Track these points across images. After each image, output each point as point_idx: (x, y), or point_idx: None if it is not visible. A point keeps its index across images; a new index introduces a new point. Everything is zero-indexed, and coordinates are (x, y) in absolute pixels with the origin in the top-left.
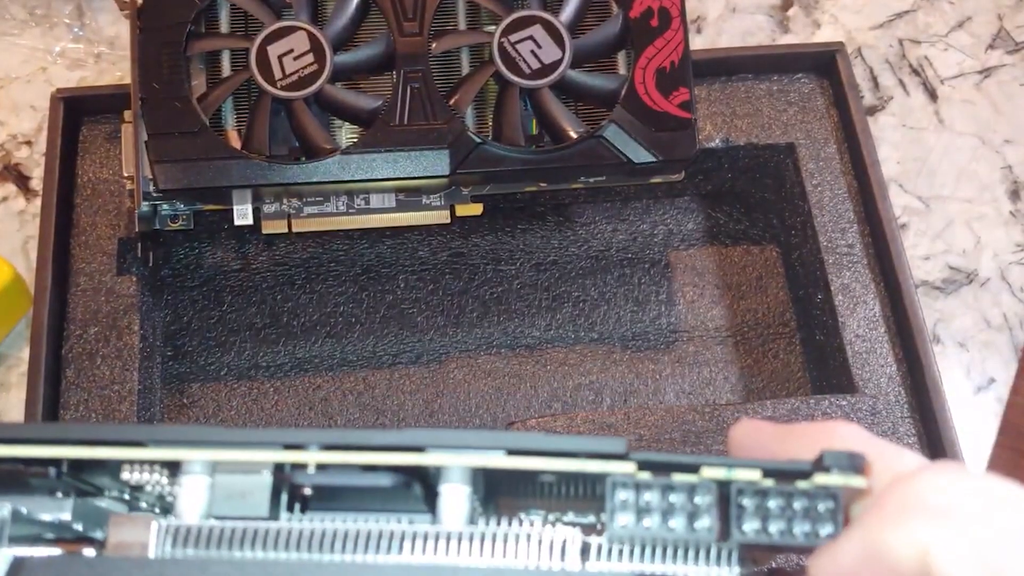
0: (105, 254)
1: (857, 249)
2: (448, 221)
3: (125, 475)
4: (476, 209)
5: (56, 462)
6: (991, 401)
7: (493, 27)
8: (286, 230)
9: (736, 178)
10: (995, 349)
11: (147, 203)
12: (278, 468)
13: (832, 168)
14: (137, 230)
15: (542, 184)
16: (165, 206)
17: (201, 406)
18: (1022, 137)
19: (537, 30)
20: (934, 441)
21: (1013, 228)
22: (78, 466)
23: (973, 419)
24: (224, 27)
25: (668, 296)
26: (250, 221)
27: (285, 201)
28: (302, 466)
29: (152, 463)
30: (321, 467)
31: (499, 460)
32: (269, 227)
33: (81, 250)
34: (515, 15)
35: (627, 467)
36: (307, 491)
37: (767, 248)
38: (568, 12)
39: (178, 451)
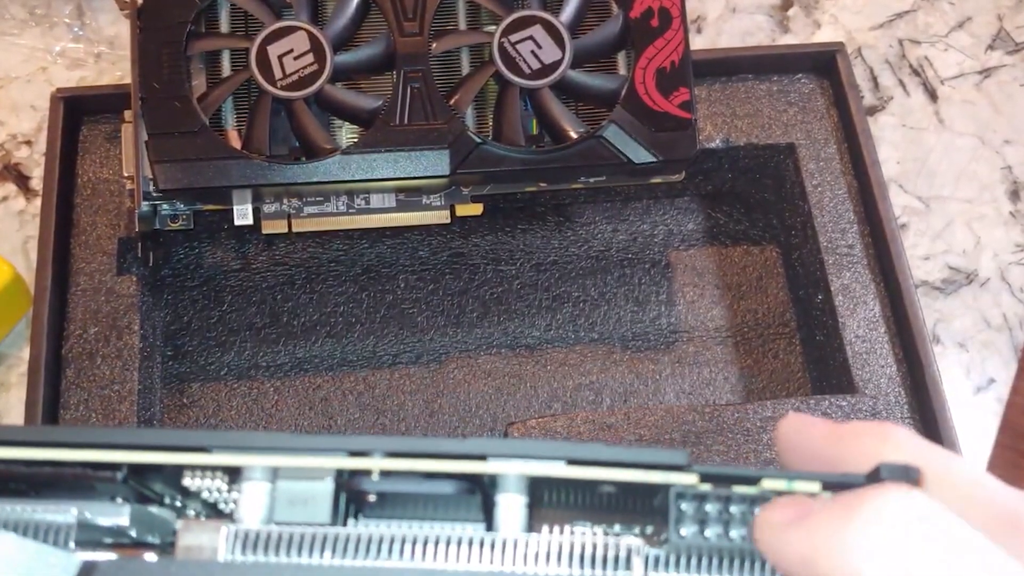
0: (105, 254)
1: (857, 249)
2: (448, 221)
3: (186, 481)
4: (476, 209)
5: (119, 467)
6: (991, 401)
7: (493, 27)
8: (286, 230)
9: (736, 178)
10: (995, 349)
11: (147, 203)
12: (340, 474)
13: (832, 168)
14: (137, 230)
15: (542, 184)
16: (165, 206)
17: (201, 406)
18: (1022, 137)
19: (537, 30)
20: (934, 441)
21: (1013, 228)
22: (140, 471)
23: (973, 419)
24: (224, 27)
25: (668, 296)
26: (250, 221)
27: (285, 201)
28: (366, 473)
29: (215, 469)
30: (384, 474)
31: (561, 470)
32: (269, 227)
33: (81, 250)
34: (515, 15)
35: (690, 478)
36: (371, 498)
37: (767, 248)
38: (568, 12)
39: (243, 457)
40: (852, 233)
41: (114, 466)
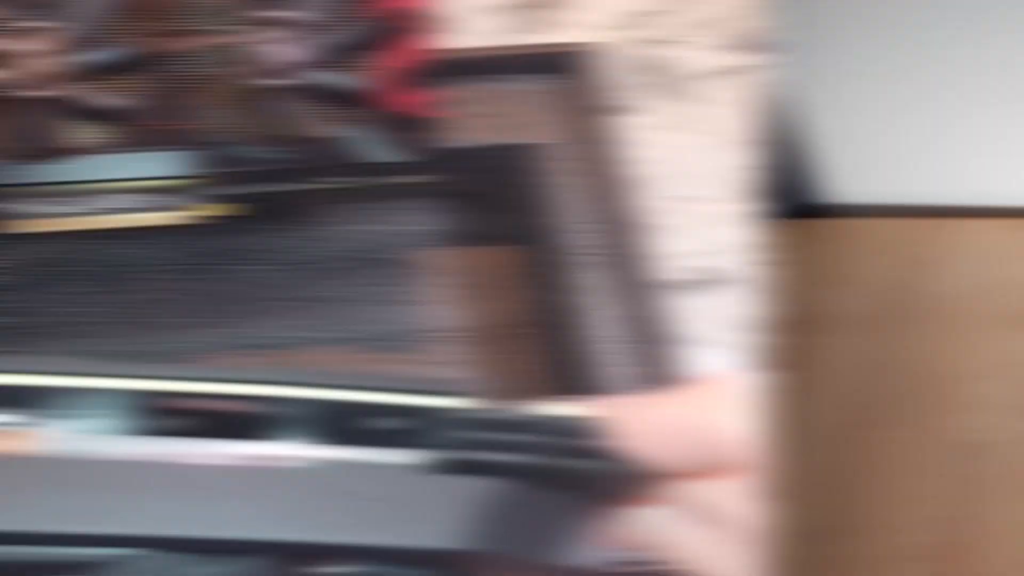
0: None
1: (601, 250)
2: (194, 222)
3: None
4: (225, 210)
5: None
6: None
7: (239, 27)
8: (30, 231)
9: (479, 179)
10: (742, 349)
11: None
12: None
13: (577, 169)
14: None
15: (288, 185)
16: None
17: None
18: (764, 137)
19: (282, 31)
20: None
21: (756, 228)
22: None
23: None
24: None
25: (411, 297)
26: None
27: (29, 202)
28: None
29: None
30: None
31: (343, 395)
32: (13, 227)
33: None
34: (260, 15)
35: (459, 402)
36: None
37: (509, 249)
38: (313, 12)
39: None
40: (596, 233)
41: None
